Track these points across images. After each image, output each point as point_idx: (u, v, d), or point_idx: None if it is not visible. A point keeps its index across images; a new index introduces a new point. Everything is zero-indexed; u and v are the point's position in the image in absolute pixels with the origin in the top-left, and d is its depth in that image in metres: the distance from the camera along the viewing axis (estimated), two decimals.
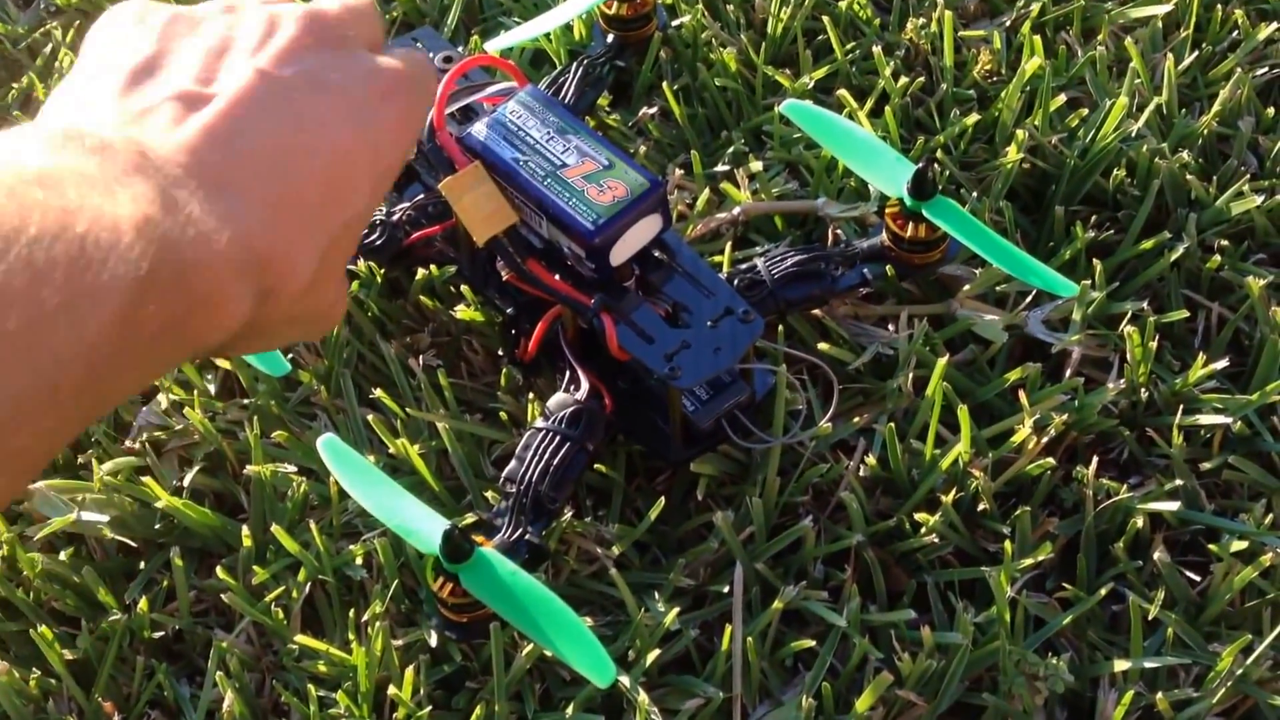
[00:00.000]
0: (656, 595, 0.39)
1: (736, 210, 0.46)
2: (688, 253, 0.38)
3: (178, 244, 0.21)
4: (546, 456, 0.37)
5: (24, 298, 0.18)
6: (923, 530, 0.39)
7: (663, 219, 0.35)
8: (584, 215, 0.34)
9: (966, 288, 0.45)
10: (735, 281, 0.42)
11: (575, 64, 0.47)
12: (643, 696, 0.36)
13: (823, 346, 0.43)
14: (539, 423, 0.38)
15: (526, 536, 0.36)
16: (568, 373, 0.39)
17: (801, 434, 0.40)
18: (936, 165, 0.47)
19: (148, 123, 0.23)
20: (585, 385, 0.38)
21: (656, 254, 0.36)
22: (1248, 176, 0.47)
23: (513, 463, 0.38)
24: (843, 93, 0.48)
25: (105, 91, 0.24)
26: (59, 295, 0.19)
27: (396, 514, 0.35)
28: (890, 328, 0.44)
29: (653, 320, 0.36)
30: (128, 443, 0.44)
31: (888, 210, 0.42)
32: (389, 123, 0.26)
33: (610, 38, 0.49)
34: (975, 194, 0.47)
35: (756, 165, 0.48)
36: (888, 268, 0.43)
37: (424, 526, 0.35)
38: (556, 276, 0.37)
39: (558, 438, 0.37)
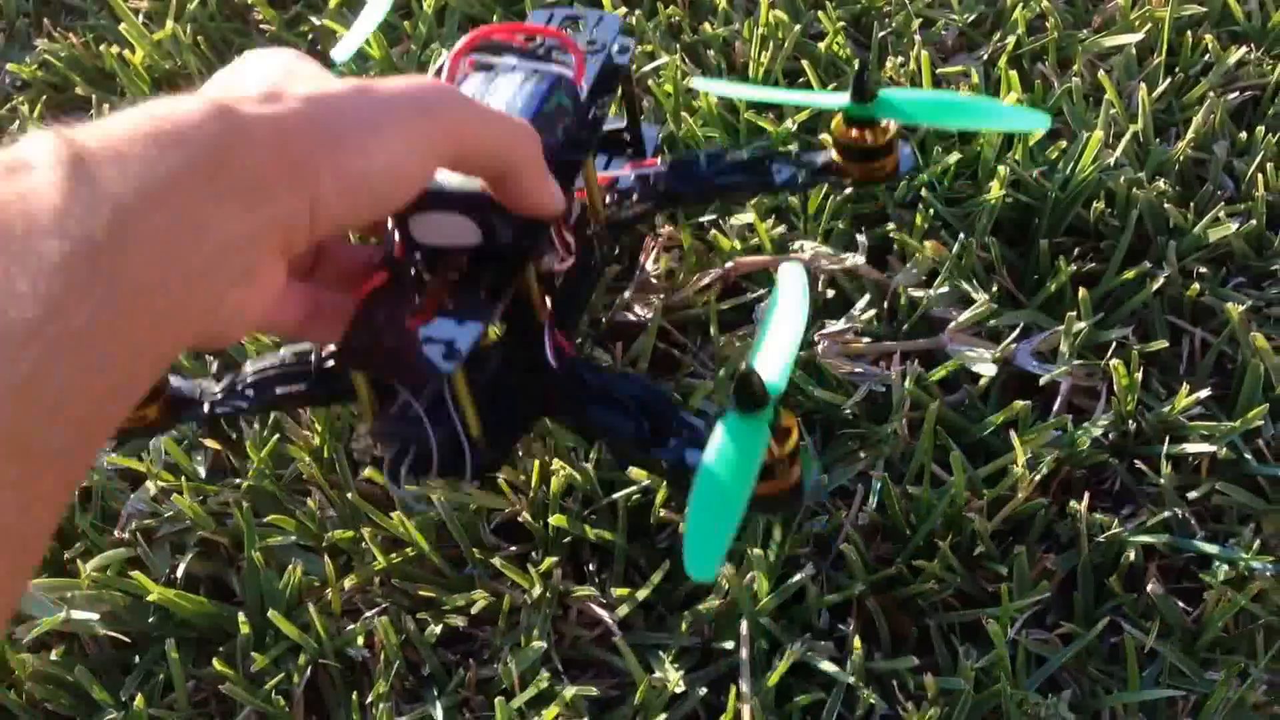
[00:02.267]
0: (662, 655, 0.43)
1: (728, 265, 0.51)
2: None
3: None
4: None
5: None
6: (923, 575, 0.44)
7: (481, 232, 0.34)
8: None
9: (954, 323, 0.50)
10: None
11: None
12: None
13: (819, 393, 0.47)
14: None
15: None
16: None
17: None
18: (921, 203, 0.52)
19: None
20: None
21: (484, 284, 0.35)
22: (1224, 201, 0.52)
23: None
24: (825, 136, 0.53)
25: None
26: None
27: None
28: (882, 364, 0.49)
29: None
30: (117, 532, 0.47)
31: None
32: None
33: None
34: (961, 232, 0.51)
35: (742, 215, 0.52)
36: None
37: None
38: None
39: None
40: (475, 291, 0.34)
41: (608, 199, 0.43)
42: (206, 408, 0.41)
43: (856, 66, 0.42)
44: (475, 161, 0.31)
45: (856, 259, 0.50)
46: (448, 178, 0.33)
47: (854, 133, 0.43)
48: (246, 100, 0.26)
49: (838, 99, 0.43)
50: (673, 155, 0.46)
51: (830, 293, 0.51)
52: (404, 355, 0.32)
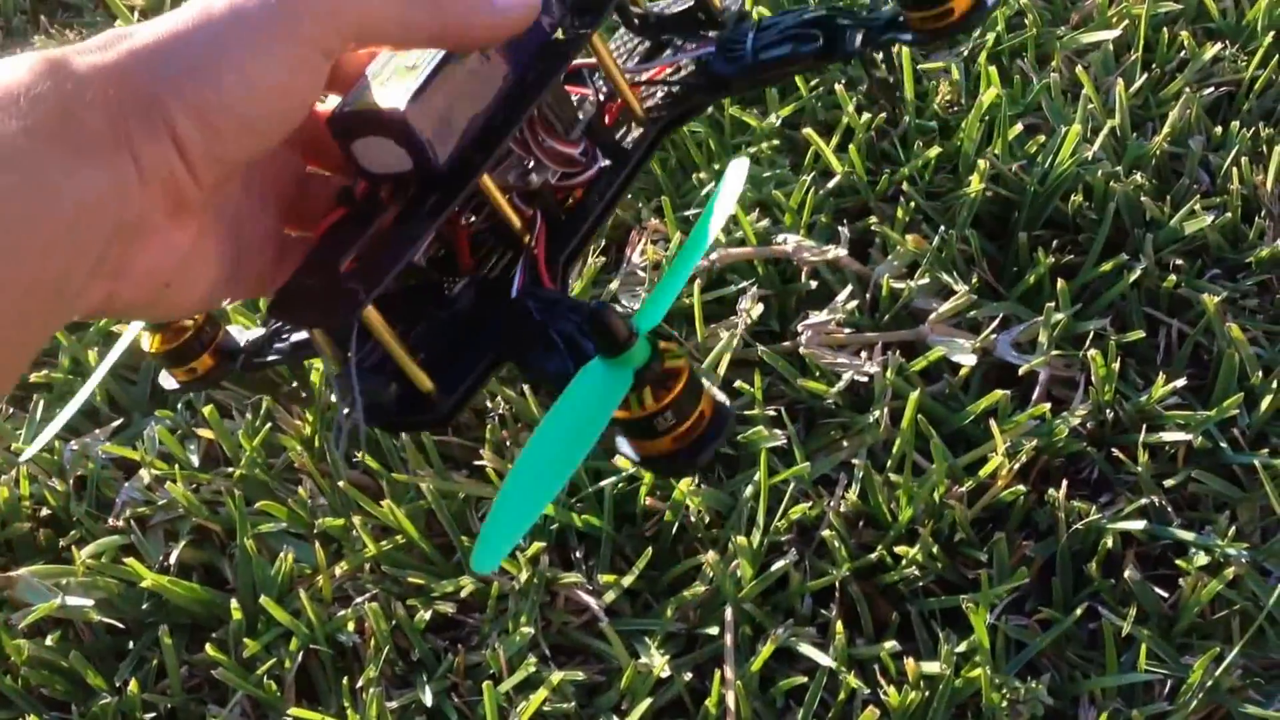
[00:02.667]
0: (648, 641, 0.43)
1: (713, 257, 0.51)
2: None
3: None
4: None
5: None
6: (904, 562, 0.44)
7: (411, 156, 0.31)
8: (349, 94, 0.31)
9: (935, 314, 0.50)
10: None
11: None
12: None
13: (803, 382, 0.47)
14: None
15: None
16: None
17: None
18: (902, 196, 0.52)
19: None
20: None
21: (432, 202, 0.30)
22: (1199, 194, 0.52)
23: None
24: (809, 131, 0.53)
25: None
26: None
27: None
28: (863, 355, 0.49)
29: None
30: (111, 520, 0.47)
31: None
32: None
33: None
34: (942, 225, 0.52)
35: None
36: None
37: None
38: None
39: None
40: (410, 223, 0.30)
41: (658, 93, 0.37)
42: (242, 360, 0.38)
43: None
44: (390, 34, 0.27)
45: (838, 251, 0.50)
46: (389, 83, 0.29)
47: None
48: (80, 52, 0.24)
49: None
50: (718, 36, 0.36)
51: (813, 284, 0.51)
52: (325, 303, 0.28)
